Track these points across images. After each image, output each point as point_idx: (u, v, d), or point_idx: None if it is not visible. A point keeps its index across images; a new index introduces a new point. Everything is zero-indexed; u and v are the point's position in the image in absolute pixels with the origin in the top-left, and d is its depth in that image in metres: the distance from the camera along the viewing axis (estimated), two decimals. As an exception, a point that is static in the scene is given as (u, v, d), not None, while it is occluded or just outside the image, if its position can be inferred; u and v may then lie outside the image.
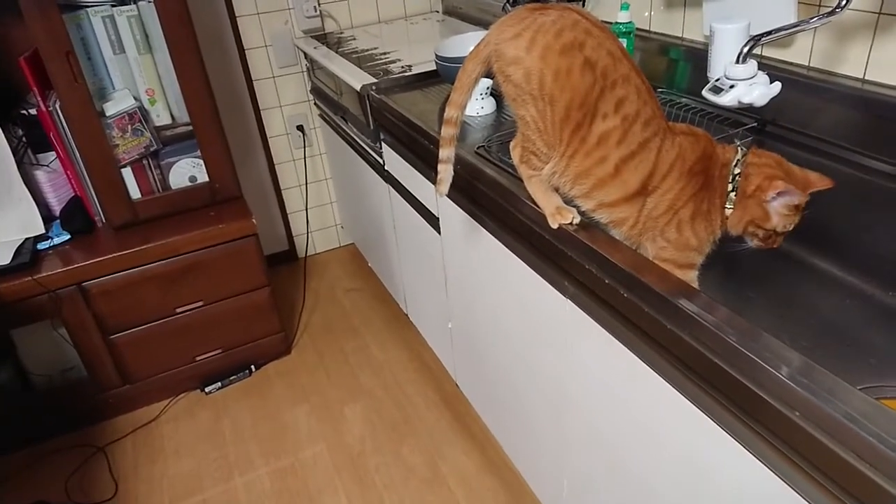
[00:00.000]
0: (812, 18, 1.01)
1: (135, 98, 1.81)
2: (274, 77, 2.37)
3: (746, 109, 1.10)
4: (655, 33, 1.51)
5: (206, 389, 2.06)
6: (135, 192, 1.88)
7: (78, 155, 1.79)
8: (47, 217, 1.86)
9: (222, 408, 2.01)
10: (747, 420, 0.73)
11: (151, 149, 1.86)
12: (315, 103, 2.44)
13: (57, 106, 1.73)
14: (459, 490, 1.66)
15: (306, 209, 2.62)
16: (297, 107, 2.45)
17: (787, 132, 1.18)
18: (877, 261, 1.04)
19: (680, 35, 1.45)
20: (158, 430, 1.95)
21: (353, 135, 2.03)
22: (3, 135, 1.72)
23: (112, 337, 1.87)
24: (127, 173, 1.85)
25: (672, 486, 0.93)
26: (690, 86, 1.39)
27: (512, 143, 1.04)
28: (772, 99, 1.06)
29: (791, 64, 1.20)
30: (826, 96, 1.12)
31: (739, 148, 0.94)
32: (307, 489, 1.71)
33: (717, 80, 1.09)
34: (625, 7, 1.42)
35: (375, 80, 1.73)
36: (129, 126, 1.80)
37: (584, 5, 1.60)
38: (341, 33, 2.32)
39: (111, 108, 1.77)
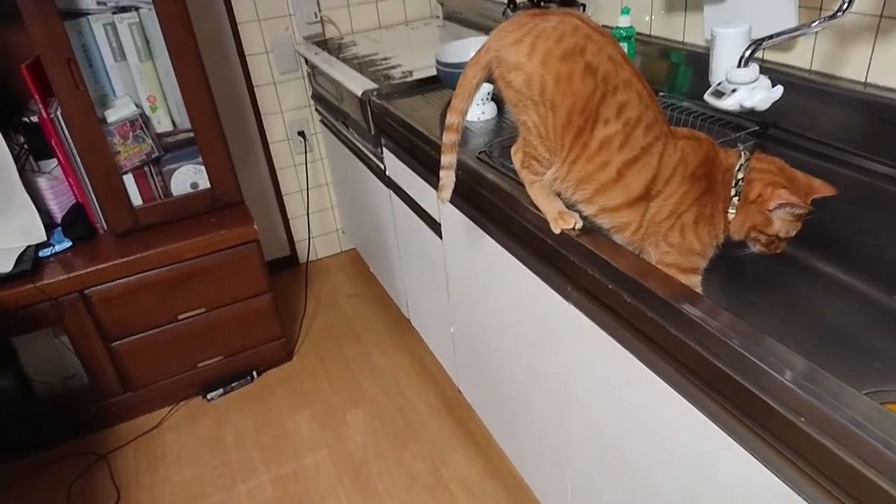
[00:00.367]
0: (813, 22, 1.00)
1: (136, 105, 1.81)
2: (275, 83, 2.37)
3: (748, 113, 1.10)
4: (656, 37, 1.51)
5: (208, 396, 2.05)
6: (136, 199, 1.88)
7: (79, 162, 1.80)
8: (49, 224, 1.86)
9: (224, 415, 2.01)
10: (751, 424, 0.73)
11: (153, 155, 1.86)
12: (316, 109, 2.44)
13: (58, 113, 1.74)
14: (462, 497, 1.66)
15: (307, 214, 2.62)
16: (298, 112, 2.45)
17: (789, 135, 1.18)
18: (880, 264, 1.04)
19: (681, 39, 1.45)
20: (160, 437, 1.95)
21: (354, 140, 2.03)
22: (4, 142, 1.72)
23: (114, 344, 1.87)
24: (128, 180, 1.85)
25: (677, 491, 0.93)
26: (692, 89, 1.39)
27: (513, 148, 1.04)
28: (774, 102, 1.06)
29: (793, 67, 1.20)
30: (828, 99, 1.12)
31: (742, 152, 0.93)
32: (309, 496, 1.71)
33: (718, 84, 1.09)
34: (625, 11, 1.42)
35: (377, 86, 1.73)
36: (131, 133, 1.80)
37: (584, 10, 1.60)
38: (342, 39, 2.32)
39: (112, 115, 1.77)
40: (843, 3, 0.96)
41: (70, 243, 1.85)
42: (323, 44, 2.28)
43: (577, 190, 0.95)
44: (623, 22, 1.42)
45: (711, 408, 0.79)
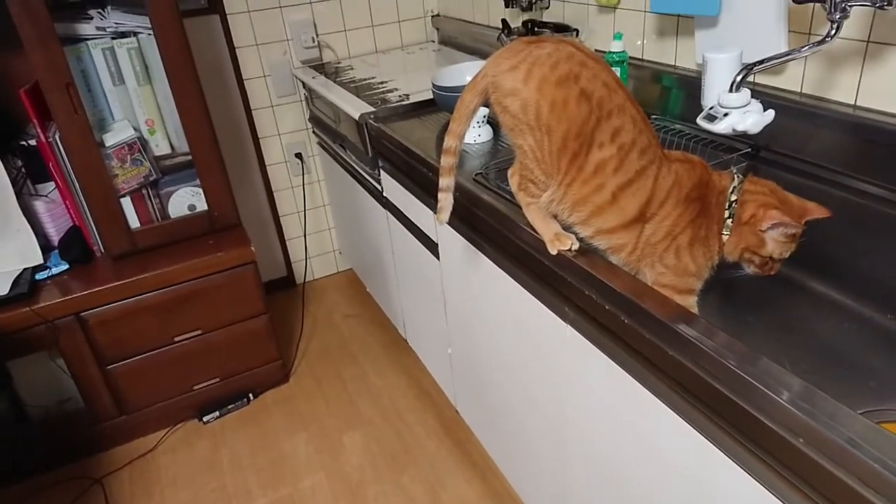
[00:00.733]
0: (803, 48, 1.03)
1: (134, 128, 1.83)
2: (273, 106, 2.39)
3: (741, 135, 1.12)
4: (648, 62, 1.53)
5: (204, 419, 2.04)
6: (134, 222, 1.89)
7: (77, 185, 1.80)
8: (46, 247, 1.86)
9: (220, 437, 1.99)
10: (749, 444, 0.73)
11: (151, 178, 1.87)
12: (313, 131, 2.46)
13: (57, 137, 1.75)
14: (460, 519, 1.65)
15: (304, 235, 2.63)
16: (295, 135, 2.47)
17: (781, 157, 1.20)
18: (874, 284, 1.05)
19: (672, 63, 1.47)
20: (156, 460, 1.93)
21: (351, 162, 2.04)
22: (2, 165, 1.73)
23: (109, 367, 1.86)
24: (126, 203, 1.86)
25: (676, 513, 0.93)
26: (684, 112, 1.41)
27: (510, 171, 1.06)
28: (766, 125, 1.08)
29: (784, 90, 1.22)
30: (819, 122, 1.13)
31: (736, 175, 0.95)
32: (306, 520, 1.69)
33: (711, 108, 1.11)
34: (618, 37, 1.45)
35: (373, 109, 1.75)
36: (129, 156, 1.81)
37: (577, 36, 1.63)
38: (339, 63, 2.35)
39: (111, 139, 1.79)
40: (832, 29, 0.98)
41: (67, 266, 1.85)
42: (320, 68, 2.31)
43: (573, 212, 0.96)
44: (615, 47, 1.45)
45: (709, 428, 0.80)
